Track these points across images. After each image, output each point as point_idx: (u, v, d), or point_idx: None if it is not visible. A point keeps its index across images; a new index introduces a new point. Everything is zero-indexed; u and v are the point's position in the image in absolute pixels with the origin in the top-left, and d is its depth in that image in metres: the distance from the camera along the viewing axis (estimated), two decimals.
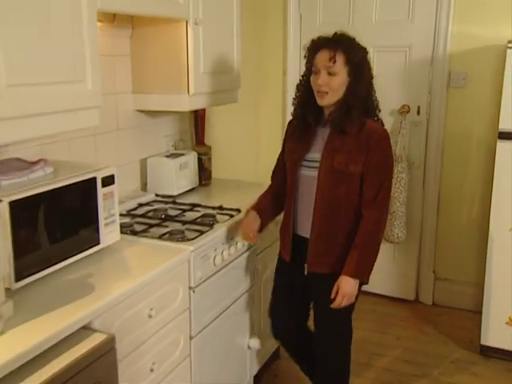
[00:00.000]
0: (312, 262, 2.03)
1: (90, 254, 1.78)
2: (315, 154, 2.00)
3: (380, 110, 2.04)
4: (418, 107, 3.36)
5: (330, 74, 1.90)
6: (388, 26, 3.35)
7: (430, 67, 3.30)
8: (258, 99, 3.68)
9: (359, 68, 1.93)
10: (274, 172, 2.26)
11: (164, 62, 2.36)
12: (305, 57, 2.03)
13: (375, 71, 3.53)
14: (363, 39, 3.71)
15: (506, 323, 2.87)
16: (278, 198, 2.18)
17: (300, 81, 2.09)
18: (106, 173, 1.81)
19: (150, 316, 1.73)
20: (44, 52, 1.55)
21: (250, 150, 3.69)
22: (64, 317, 1.42)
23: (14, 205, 1.47)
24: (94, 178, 1.76)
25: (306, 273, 2.06)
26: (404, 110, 3.36)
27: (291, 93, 3.74)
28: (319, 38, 1.98)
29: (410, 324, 3.33)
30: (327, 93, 1.93)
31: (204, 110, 2.88)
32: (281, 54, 3.68)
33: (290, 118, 4.27)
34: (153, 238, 2.00)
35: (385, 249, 3.53)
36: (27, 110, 1.52)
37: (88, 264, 1.74)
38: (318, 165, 1.98)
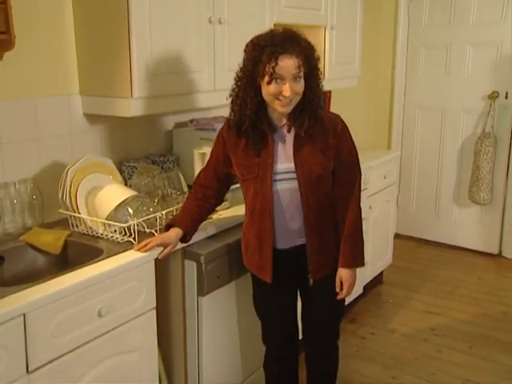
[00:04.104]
0: (315, 270, 1.96)
1: None
2: (285, 165, 1.86)
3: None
4: (506, 92, 4.04)
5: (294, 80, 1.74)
6: (483, 25, 4.06)
7: None
8: (370, 87, 4.54)
9: (315, 66, 1.82)
10: (202, 184, 2.05)
11: None
12: (256, 59, 1.74)
13: (470, 64, 4.26)
14: (462, 37, 4.51)
15: None
16: (204, 211, 2.05)
17: (240, 85, 1.82)
18: None
19: None
20: None
21: (361, 126, 4.55)
22: None
23: None
24: None
25: (310, 283, 1.99)
26: (494, 95, 4.07)
27: (399, 83, 4.58)
28: (272, 40, 1.73)
29: (491, 270, 4.06)
30: (291, 100, 1.77)
31: (330, 91, 3.80)
32: (391, 50, 4.52)
33: (397, 103, 5.05)
34: None
35: (473, 210, 4.31)
36: None
37: None
38: (294, 176, 1.85)
